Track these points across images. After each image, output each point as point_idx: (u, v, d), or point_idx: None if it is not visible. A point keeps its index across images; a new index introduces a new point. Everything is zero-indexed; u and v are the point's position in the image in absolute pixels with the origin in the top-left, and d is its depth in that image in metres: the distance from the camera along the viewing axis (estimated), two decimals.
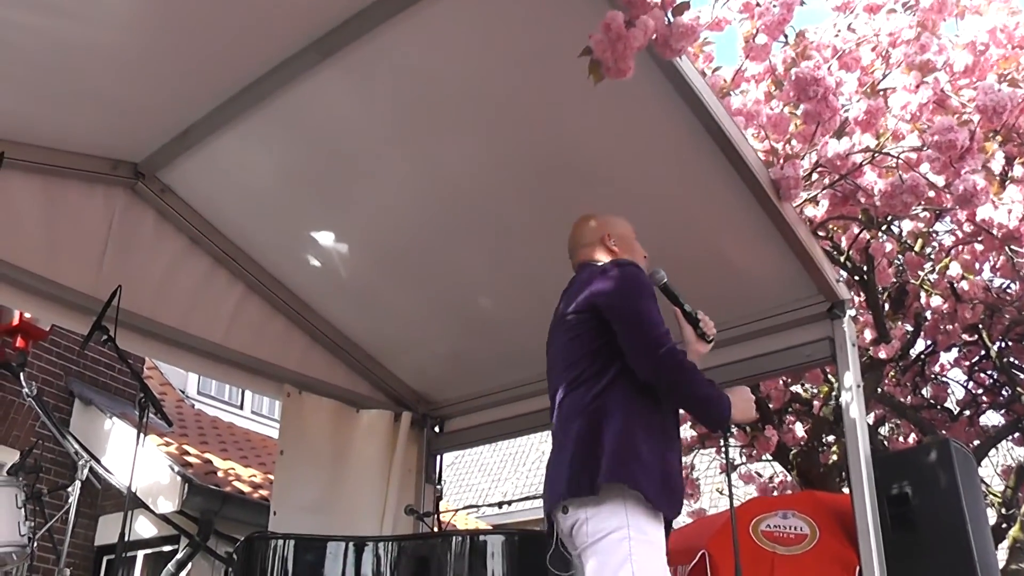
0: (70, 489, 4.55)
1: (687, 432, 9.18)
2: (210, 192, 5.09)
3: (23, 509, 4.22)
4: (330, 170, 4.75)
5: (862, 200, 5.09)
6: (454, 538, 3.96)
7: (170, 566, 7.35)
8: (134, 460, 4.49)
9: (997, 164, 5.31)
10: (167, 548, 7.69)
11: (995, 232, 5.10)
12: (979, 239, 5.91)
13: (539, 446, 20.63)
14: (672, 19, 3.16)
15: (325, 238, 5.21)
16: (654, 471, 2.73)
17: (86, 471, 4.57)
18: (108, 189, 4.90)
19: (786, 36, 5.51)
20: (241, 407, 12.11)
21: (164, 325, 5.25)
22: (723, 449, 6.36)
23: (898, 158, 4.80)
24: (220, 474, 7.83)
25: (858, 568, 4.30)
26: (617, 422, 2.79)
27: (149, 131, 4.64)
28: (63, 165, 4.66)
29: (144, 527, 7.76)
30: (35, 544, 4.32)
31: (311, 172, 4.79)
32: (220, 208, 5.20)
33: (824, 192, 5.38)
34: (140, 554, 7.98)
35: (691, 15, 3.17)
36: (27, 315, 7.06)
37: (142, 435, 4.65)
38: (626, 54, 2.98)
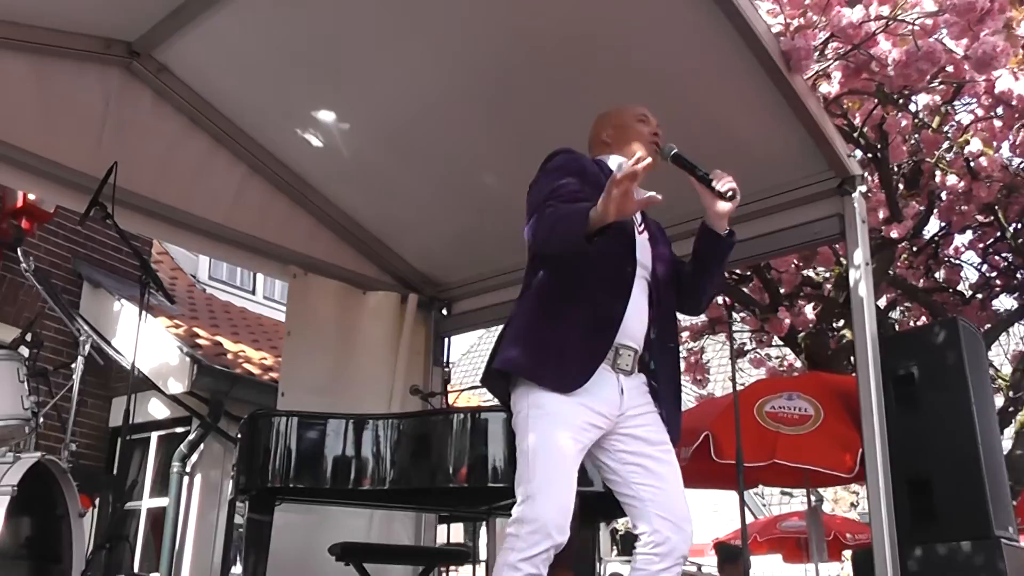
0: (73, 366, 4.56)
1: (697, 317, 9.17)
2: (208, 71, 4.99)
3: (25, 383, 4.22)
4: (331, 47, 4.63)
5: (876, 71, 4.94)
6: (455, 415, 3.94)
7: (182, 447, 7.45)
8: (136, 337, 4.49)
9: (1021, 33, 5.12)
10: (180, 429, 7.77)
11: (1015, 104, 4.95)
12: (998, 114, 5.76)
13: None
14: None
15: (327, 117, 5.12)
16: (535, 350, 2.74)
17: (88, 347, 4.58)
18: (103, 68, 4.81)
19: None
20: (253, 292, 12.13)
21: (165, 205, 5.22)
22: (729, 333, 6.42)
23: (913, 24, 4.63)
24: (230, 356, 7.88)
25: (861, 449, 4.30)
26: (516, 316, 2.87)
27: (141, 8, 4.53)
28: (55, 44, 4.57)
29: (157, 409, 7.83)
30: (40, 420, 4.32)
31: (311, 49, 4.67)
32: (219, 87, 5.10)
33: (837, 64, 5.22)
34: (154, 435, 8.06)
35: None
36: (31, 196, 7.02)
37: (146, 314, 4.64)
38: None
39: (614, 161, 2.98)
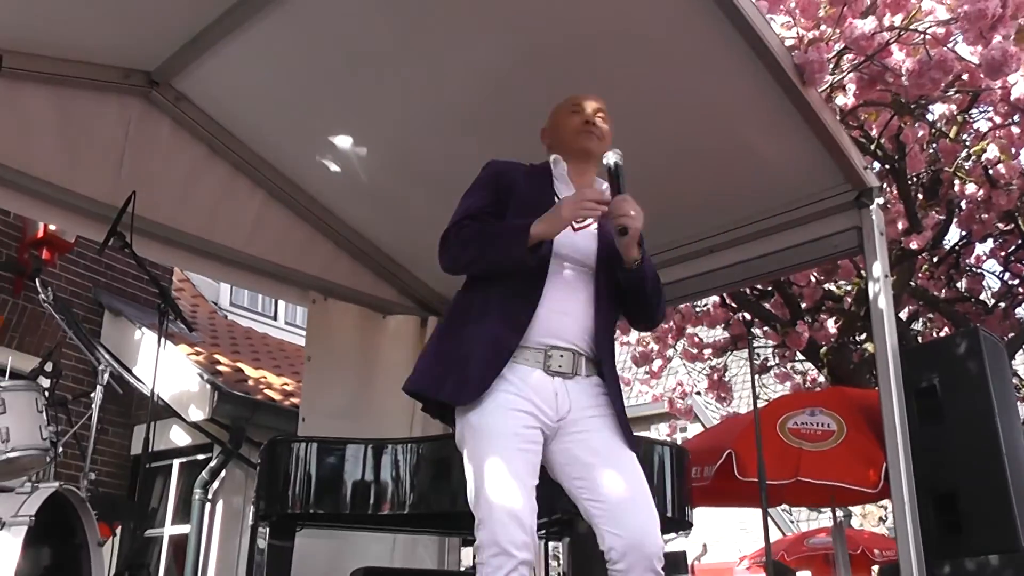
0: (92, 395, 4.58)
1: (719, 334, 9.14)
2: (226, 99, 5.02)
3: (43, 413, 4.24)
4: (346, 72, 4.65)
5: (890, 81, 4.93)
6: None
7: (204, 473, 7.45)
8: (156, 365, 4.51)
9: None
10: (201, 456, 7.78)
11: None
12: (1015, 121, 5.74)
13: None
14: None
15: (344, 142, 5.14)
16: (438, 365, 2.71)
17: (107, 375, 4.61)
18: (121, 98, 4.85)
19: None
20: (275, 318, 12.16)
21: (185, 232, 5.26)
22: (750, 350, 6.39)
23: (925, 34, 4.61)
24: (251, 382, 7.88)
25: (885, 464, 4.25)
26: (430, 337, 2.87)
27: (160, 38, 4.56)
28: (74, 75, 4.61)
29: (179, 436, 7.85)
30: (60, 449, 4.34)
31: (327, 75, 4.69)
32: (237, 115, 5.13)
33: (851, 76, 5.21)
34: (175, 463, 8.08)
35: None
36: (51, 227, 7.07)
37: (166, 341, 4.66)
38: None
39: (558, 166, 2.92)
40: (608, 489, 2.58)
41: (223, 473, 7.51)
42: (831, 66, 4.81)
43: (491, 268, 2.73)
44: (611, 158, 2.76)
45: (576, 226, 2.75)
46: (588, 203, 2.60)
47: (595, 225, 2.82)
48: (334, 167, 5.34)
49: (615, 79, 4.15)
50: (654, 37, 4.04)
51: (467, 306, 2.77)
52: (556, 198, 2.79)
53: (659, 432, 15.54)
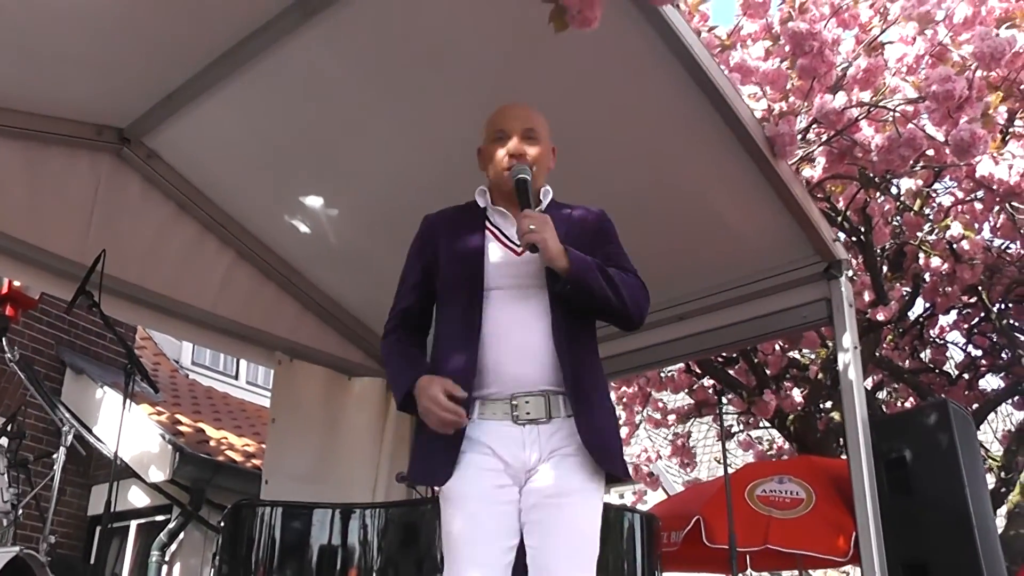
0: (55, 456, 4.51)
1: (684, 400, 9.15)
2: (197, 157, 5.00)
3: (5, 475, 4.16)
4: (317, 133, 4.65)
5: (859, 156, 5.01)
6: None
7: (162, 535, 7.33)
8: (120, 427, 4.44)
9: (999, 119, 5.21)
10: (160, 518, 7.65)
11: (995, 188, 5.02)
12: (979, 197, 5.85)
13: None
14: None
15: (315, 203, 5.13)
16: (416, 455, 2.57)
17: (70, 437, 4.55)
18: (93, 155, 4.81)
19: None
20: (236, 377, 12.05)
21: (152, 292, 5.18)
22: (718, 416, 6.40)
23: (894, 111, 4.71)
24: (212, 443, 7.79)
25: (854, 533, 4.25)
26: None
27: (134, 95, 4.54)
28: (46, 130, 4.56)
29: (137, 497, 7.72)
30: (20, 511, 4.25)
31: (298, 136, 4.69)
32: (208, 174, 5.11)
33: (821, 150, 5.29)
34: (133, 524, 7.94)
35: None
36: (16, 283, 6.99)
37: (129, 402, 4.59)
38: (593, 1, 2.81)
39: (484, 197, 2.70)
40: (542, 533, 2.38)
41: (181, 535, 7.39)
42: (799, 138, 4.88)
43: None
44: (515, 174, 2.58)
45: (519, 250, 2.54)
46: (448, 419, 2.37)
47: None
48: (303, 228, 5.32)
49: (589, 146, 4.19)
50: (628, 106, 4.08)
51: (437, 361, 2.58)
52: (490, 231, 2.63)
53: (619, 497, 15.47)
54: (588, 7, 2.81)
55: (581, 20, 2.86)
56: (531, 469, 2.43)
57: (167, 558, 7.39)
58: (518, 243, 2.53)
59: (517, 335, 2.49)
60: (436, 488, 2.55)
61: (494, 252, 2.59)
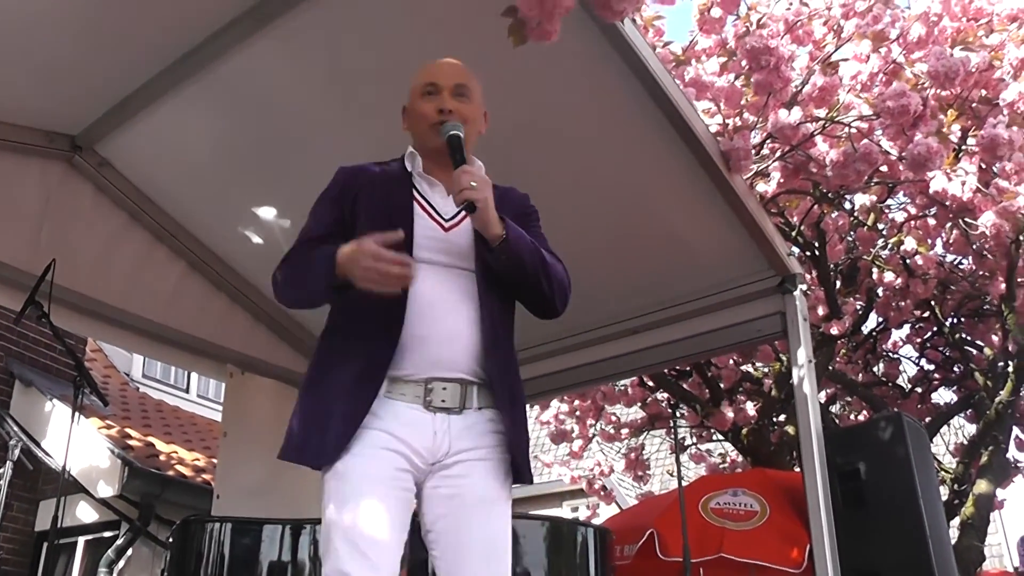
0: (1, 470, 4.42)
1: (637, 413, 9.16)
2: (149, 166, 4.93)
3: None
4: (270, 144, 4.60)
5: (814, 171, 5.04)
6: None
7: (110, 552, 7.20)
8: (68, 441, 4.36)
9: (952, 137, 5.28)
10: (108, 534, 7.52)
11: (948, 204, 5.07)
12: (932, 213, 5.90)
13: None
14: None
15: (267, 214, 5.06)
16: (297, 428, 2.29)
17: (17, 451, 4.45)
18: (44, 162, 4.72)
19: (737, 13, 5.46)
20: (187, 391, 11.91)
21: (102, 303, 5.09)
22: (672, 429, 6.39)
23: (849, 127, 4.74)
24: (162, 457, 7.68)
25: (808, 545, 4.26)
26: None
27: (85, 102, 4.47)
28: None
29: (85, 512, 7.59)
30: None
31: (251, 146, 4.64)
32: (160, 183, 5.05)
33: (775, 165, 5.31)
34: (80, 540, 7.80)
35: None
36: None
37: (78, 415, 4.51)
38: (553, 14, 2.76)
39: (414, 162, 2.50)
40: (454, 545, 2.20)
41: (130, 551, 7.27)
42: (754, 154, 4.90)
43: (313, 299, 2.49)
44: (445, 131, 2.37)
45: (447, 224, 2.38)
46: (396, 272, 2.12)
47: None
48: (256, 238, 5.26)
49: (542, 159, 4.18)
50: (583, 120, 4.07)
51: (327, 348, 2.38)
52: (417, 199, 2.41)
53: (572, 511, 15.47)
54: (548, 20, 2.78)
55: (540, 33, 2.83)
56: (436, 463, 2.23)
57: (115, 575, 7.27)
58: (445, 217, 2.39)
59: (440, 315, 2.27)
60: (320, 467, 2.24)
61: (420, 224, 2.36)
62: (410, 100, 2.55)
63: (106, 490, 7.09)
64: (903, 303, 7.01)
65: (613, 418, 9.21)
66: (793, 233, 6.37)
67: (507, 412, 2.28)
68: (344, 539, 2.10)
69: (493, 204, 2.23)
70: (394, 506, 2.16)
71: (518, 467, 2.28)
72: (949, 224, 6.09)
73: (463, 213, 2.31)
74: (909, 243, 6.35)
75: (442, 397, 2.24)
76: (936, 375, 8.10)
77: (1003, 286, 6.41)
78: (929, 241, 6.34)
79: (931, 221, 6.18)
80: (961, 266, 7.08)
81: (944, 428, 8.33)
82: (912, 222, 6.45)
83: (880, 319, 7.68)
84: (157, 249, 5.28)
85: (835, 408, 8.68)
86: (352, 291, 2.21)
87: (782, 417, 7.84)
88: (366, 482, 2.15)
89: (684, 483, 5.57)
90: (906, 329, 7.94)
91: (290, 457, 2.29)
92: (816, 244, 6.53)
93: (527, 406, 2.46)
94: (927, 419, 7.63)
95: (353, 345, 2.28)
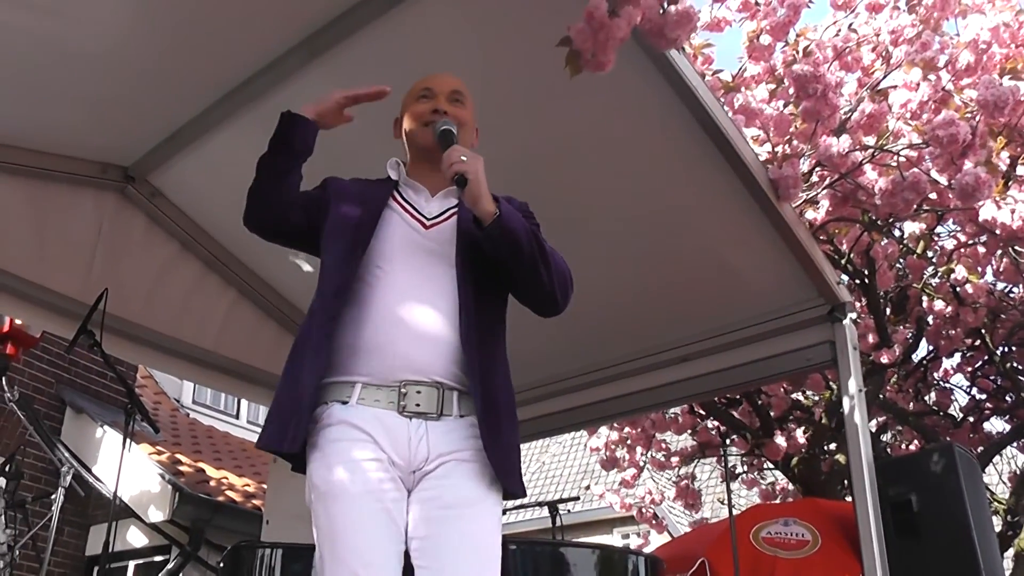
0: (54, 496, 4.47)
1: (687, 441, 9.11)
2: (201, 196, 5.01)
3: (2, 516, 4.13)
4: (319, 174, 4.63)
5: (863, 199, 5.01)
6: None
7: None
8: (119, 467, 4.41)
9: (1001, 165, 5.23)
10: (158, 558, 7.60)
11: (998, 232, 5.02)
12: (982, 240, 5.85)
13: (539, 456, 20.56)
14: (667, 7, 3.04)
15: None
16: (271, 415, 2.23)
17: (69, 477, 4.51)
18: (98, 193, 4.82)
19: (786, 40, 5.48)
20: (237, 416, 12.02)
21: (154, 331, 5.18)
22: (723, 458, 6.36)
23: (898, 155, 4.71)
24: (212, 483, 7.75)
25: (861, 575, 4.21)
26: None
27: (139, 133, 4.55)
28: (51, 168, 4.58)
29: (136, 537, 7.67)
30: (17, 552, 4.21)
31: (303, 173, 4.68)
32: (211, 212, 5.12)
33: (824, 192, 5.29)
34: (131, 564, 7.89)
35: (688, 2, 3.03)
36: (17, 321, 6.98)
37: (129, 441, 4.57)
38: (607, 45, 2.81)
39: (398, 169, 2.53)
40: (437, 553, 2.08)
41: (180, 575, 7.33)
42: (803, 182, 4.89)
43: (277, 179, 2.54)
44: (439, 127, 2.37)
45: (428, 223, 2.35)
46: (363, 90, 2.39)
47: (454, 215, 2.36)
48: (306, 267, 5.31)
49: (594, 188, 4.20)
50: (633, 148, 4.08)
51: (303, 336, 2.30)
52: (397, 202, 2.42)
53: (623, 538, 15.38)
54: (602, 51, 2.82)
55: (595, 64, 2.88)
56: (417, 470, 2.13)
57: None
58: (428, 216, 2.36)
59: (414, 314, 2.20)
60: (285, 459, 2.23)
61: (398, 223, 2.34)
62: (403, 111, 2.59)
63: (157, 515, 7.17)
64: (953, 331, 6.93)
65: (663, 446, 9.16)
66: (842, 261, 6.33)
67: (482, 419, 2.15)
68: (339, 566, 2.03)
69: (484, 179, 2.18)
70: (383, 521, 2.07)
71: (503, 475, 2.16)
72: (999, 252, 6.03)
73: (447, 213, 2.34)
74: (959, 271, 6.29)
75: (416, 401, 2.14)
76: (988, 404, 7.98)
77: None
78: (979, 269, 6.27)
79: (981, 249, 6.12)
80: (1011, 294, 6.99)
81: (996, 458, 8.22)
82: (962, 250, 6.38)
83: (930, 348, 7.59)
84: (208, 277, 5.35)
85: (886, 437, 8.59)
86: (323, 279, 2.31)
87: (832, 446, 7.76)
88: (352, 499, 2.06)
89: (736, 511, 5.54)
90: (957, 358, 7.85)
91: (264, 445, 2.22)
92: (865, 272, 6.48)
93: (517, 414, 2.33)
94: (979, 448, 7.51)
95: (323, 343, 2.20)
